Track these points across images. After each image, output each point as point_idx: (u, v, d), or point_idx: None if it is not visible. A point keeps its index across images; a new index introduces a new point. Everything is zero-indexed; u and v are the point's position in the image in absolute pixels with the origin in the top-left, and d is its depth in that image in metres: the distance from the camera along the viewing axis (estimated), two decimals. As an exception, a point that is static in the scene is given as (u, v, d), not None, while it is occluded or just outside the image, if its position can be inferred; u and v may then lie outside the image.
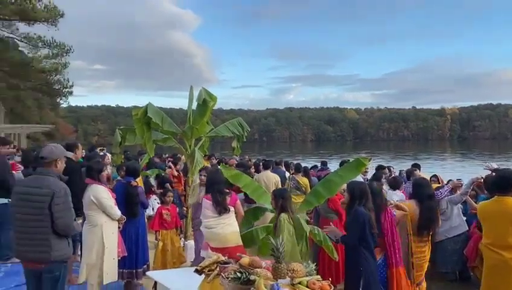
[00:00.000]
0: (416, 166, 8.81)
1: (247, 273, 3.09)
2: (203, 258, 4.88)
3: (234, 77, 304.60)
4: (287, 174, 9.62)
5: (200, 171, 6.04)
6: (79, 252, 5.68)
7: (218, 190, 4.86)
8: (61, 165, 3.75)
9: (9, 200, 5.93)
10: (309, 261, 3.54)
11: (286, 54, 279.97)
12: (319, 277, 3.36)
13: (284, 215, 4.51)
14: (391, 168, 10.33)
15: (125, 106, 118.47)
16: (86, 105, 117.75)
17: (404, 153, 53.79)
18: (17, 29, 27.60)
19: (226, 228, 4.79)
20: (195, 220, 5.71)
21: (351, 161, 6.30)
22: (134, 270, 5.26)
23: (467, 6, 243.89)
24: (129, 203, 5.26)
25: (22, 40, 28.06)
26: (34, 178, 3.69)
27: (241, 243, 4.86)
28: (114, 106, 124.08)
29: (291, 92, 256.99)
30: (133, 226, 5.28)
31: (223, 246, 4.65)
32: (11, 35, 28.22)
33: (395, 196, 6.55)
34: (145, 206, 5.64)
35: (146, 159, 9.67)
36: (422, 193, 4.82)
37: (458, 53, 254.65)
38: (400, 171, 10.51)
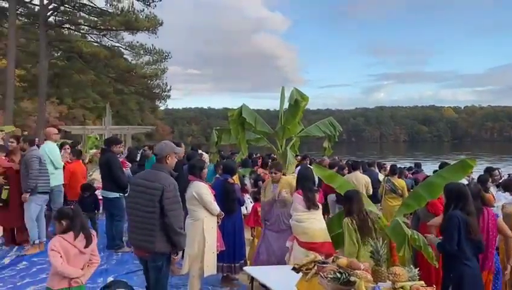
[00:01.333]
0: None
1: (347, 274, 3.07)
2: (285, 249, 5.05)
3: (321, 76, 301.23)
4: (381, 176, 9.27)
5: (270, 168, 5.91)
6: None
7: (308, 187, 4.98)
8: (171, 161, 4.02)
9: (121, 194, 6.58)
10: (411, 266, 3.40)
11: (377, 51, 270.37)
12: (422, 282, 3.23)
13: (346, 220, 4.42)
14: (499, 171, 9.47)
15: (216, 108, 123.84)
16: (181, 107, 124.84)
17: (511, 155, 48.85)
18: (123, 38, 30.21)
19: (315, 223, 4.88)
20: (269, 220, 5.48)
21: (452, 163, 5.92)
22: (232, 265, 5.45)
23: None
24: (226, 199, 5.46)
25: (127, 48, 30.61)
26: (149, 172, 4.04)
27: (328, 239, 4.88)
28: (206, 108, 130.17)
29: (382, 91, 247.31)
30: (231, 222, 5.46)
31: (311, 241, 4.75)
32: (117, 44, 30.96)
33: (503, 198, 6.03)
34: (241, 203, 5.82)
35: (238, 159, 9.99)
36: None
37: None
38: (510, 174, 9.60)
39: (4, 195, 6.51)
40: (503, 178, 8.41)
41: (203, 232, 4.96)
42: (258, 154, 13.92)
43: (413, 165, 13.13)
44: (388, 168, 9.74)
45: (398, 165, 10.49)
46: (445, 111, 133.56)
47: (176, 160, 4.13)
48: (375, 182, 8.79)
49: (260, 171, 9.73)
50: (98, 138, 17.43)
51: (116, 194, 6.53)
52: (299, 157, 10.50)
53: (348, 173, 9.18)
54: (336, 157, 15.68)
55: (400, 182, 8.39)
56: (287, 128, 7.58)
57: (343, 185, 5.22)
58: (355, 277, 3.07)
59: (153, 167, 4.04)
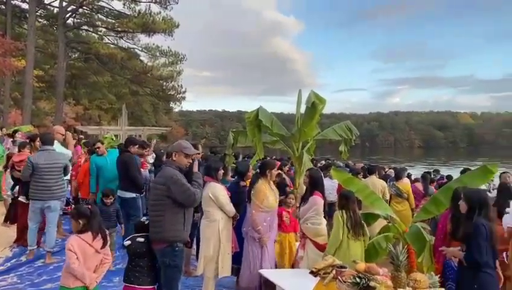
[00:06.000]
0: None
1: (366, 279, 3.02)
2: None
3: (335, 80, 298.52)
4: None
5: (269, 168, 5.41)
6: (194, 246, 6.04)
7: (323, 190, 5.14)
8: (178, 159, 4.09)
9: (137, 194, 6.61)
10: (432, 273, 3.34)
11: (392, 55, 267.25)
12: (443, 289, 3.16)
13: (337, 213, 4.61)
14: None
15: (230, 111, 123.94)
16: (196, 110, 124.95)
17: (530, 163, 47.80)
18: (139, 40, 30.51)
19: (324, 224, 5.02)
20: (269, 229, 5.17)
21: (473, 169, 5.81)
22: (240, 267, 5.41)
23: None
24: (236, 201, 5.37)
25: (143, 50, 30.92)
26: (160, 170, 4.33)
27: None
28: (220, 110, 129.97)
29: (397, 95, 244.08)
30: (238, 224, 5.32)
31: (326, 242, 4.82)
32: (133, 46, 31.29)
33: None
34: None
35: (253, 162, 9.94)
36: None
37: None
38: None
39: None
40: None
41: (219, 233, 4.96)
42: (274, 157, 13.81)
43: (431, 171, 13.05)
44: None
45: (413, 171, 10.44)
46: (461, 117, 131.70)
47: (186, 159, 4.12)
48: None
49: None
50: (114, 139, 17.54)
51: (133, 194, 6.54)
52: (323, 162, 10.37)
53: (363, 177, 9.12)
54: (350, 162, 15.58)
55: (405, 186, 8.44)
56: (304, 131, 7.54)
57: (361, 189, 5.17)
58: (375, 282, 3.03)
59: (163, 164, 4.34)
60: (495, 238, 3.69)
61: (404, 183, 8.58)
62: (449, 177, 10.58)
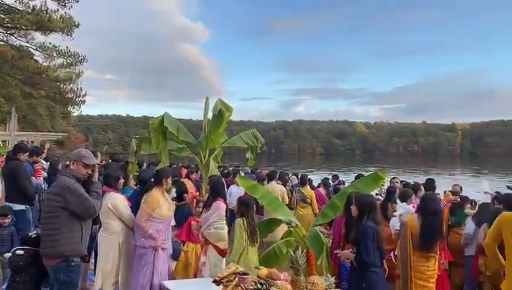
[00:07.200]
0: (432, 181, 8.64)
1: (267, 285, 3.08)
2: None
3: (243, 89, 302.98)
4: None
5: (165, 177, 5.23)
6: (92, 260, 5.69)
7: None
8: (75, 168, 3.83)
9: (27, 206, 6.04)
10: (328, 275, 3.52)
11: (296, 66, 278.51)
12: (338, 290, 3.34)
13: (239, 220, 4.75)
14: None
15: (135, 116, 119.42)
16: (97, 114, 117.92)
17: (415, 168, 53.25)
18: (33, 38, 28.10)
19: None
20: (165, 238, 5.05)
21: (366, 174, 6.28)
22: None
23: (480, 22, 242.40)
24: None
25: (37, 49, 28.49)
26: (55, 180, 3.96)
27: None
28: (124, 115, 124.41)
29: (301, 105, 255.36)
30: None
31: (226, 247, 4.93)
32: (26, 45, 28.72)
33: (401, 208, 6.49)
34: None
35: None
36: (425, 207, 4.59)
37: (470, 68, 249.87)
38: (402, 182, 10.37)
39: None
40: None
41: (119, 246, 4.75)
42: (181, 165, 13.56)
43: (330, 176, 13.86)
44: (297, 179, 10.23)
45: (314, 177, 11.01)
46: (357, 126, 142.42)
47: (85, 170, 3.83)
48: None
49: (186, 182, 9.46)
50: (1, 145, 15.90)
51: (22, 206, 5.94)
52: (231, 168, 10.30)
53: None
54: (258, 169, 15.90)
55: (308, 191, 8.88)
56: (211, 138, 7.54)
57: (264, 195, 5.30)
58: (275, 288, 3.10)
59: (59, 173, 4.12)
60: (381, 240, 4.03)
61: (308, 189, 9.03)
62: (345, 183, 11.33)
